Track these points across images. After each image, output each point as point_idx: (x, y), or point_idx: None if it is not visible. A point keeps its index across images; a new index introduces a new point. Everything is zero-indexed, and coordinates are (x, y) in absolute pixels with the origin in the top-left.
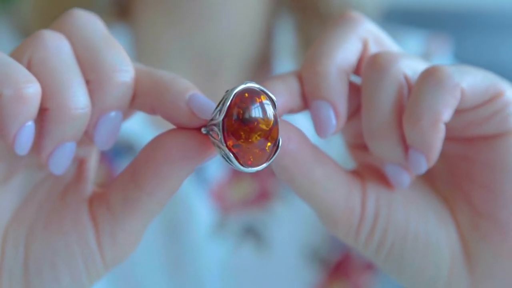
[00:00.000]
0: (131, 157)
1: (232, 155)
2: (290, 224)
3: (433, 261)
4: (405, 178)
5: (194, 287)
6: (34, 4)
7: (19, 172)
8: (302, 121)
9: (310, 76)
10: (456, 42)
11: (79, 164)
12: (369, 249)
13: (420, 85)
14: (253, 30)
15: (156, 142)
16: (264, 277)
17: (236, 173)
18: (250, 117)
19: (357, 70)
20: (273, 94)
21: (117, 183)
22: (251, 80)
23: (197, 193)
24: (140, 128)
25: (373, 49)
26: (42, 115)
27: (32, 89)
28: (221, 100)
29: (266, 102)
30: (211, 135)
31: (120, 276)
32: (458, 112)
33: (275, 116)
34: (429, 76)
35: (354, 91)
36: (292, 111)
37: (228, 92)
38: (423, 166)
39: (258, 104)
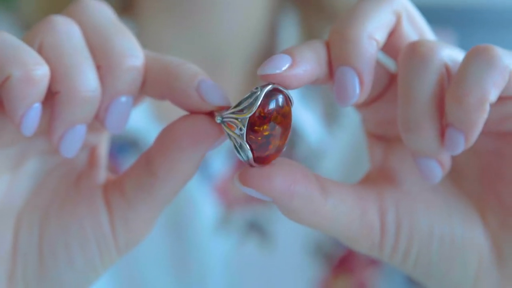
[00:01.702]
0: (135, 153)
1: (250, 150)
2: None
3: (460, 263)
4: (438, 173)
5: (198, 282)
6: (36, 1)
7: (31, 157)
8: (307, 117)
9: (339, 41)
10: (460, 38)
11: (91, 151)
12: (395, 259)
13: (468, 61)
14: (257, 25)
15: (167, 129)
16: (268, 272)
17: (240, 168)
18: (271, 117)
19: (385, 46)
20: (300, 60)
21: (132, 170)
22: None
23: (201, 189)
24: (145, 124)
25: (405, 25)
26: (53, 99)
27: (41, 71)
28: (248, 96)
29: (285, 104)
30: (225, 125)
31: (124, 271)
32: (498, 101)
33: (291, 119)
34: (479, 53)
35: (381, 70)
36: (317, 80)
37: (257, 91)
38: (461, 146)
39: (280, 105)
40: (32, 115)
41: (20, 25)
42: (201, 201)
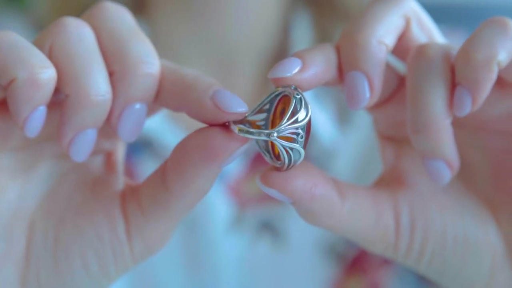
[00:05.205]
0: (149, 153)
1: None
2: None
3: (474, 262)
4: (446, 174)
5: (212, 282)
6: (50, 1)
7: (44, 161)
8: (319, 116)
9: (349, 46)
10: None
11: (107, 156)
12: (410, 259)
13: (481, 26)
14: (269, 25)
15: (181, 144)
16: (280, 271)
17: (253, 168)
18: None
19: (395, 49)
20: (310, 64)
21: (148, 183)
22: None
23: (214, 189)
24: (159, 124)
25: (415, 29)
26: (63, 102)
27: (47, 74)
28: (295, 103)
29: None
30: (276, 139)
31: (137, 270)
32: (507, 93)
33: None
34: (494, 21)
35: (391, 73)
36: (327, 83)
37: (299, 95)
38: (467, 107)
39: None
40: (36, 118)
41: (33, 26)
42: (215, 201)
